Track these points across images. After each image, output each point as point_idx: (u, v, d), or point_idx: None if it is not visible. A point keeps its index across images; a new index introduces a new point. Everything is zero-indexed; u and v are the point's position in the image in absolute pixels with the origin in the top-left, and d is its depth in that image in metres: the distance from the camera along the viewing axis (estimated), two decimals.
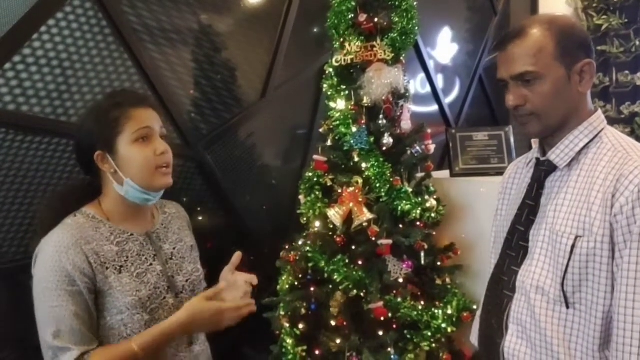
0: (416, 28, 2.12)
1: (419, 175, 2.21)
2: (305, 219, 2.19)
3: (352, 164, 2.12)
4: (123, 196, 1.40)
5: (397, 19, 2.08)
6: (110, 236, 1.38)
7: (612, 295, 1.12)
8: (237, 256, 1.47)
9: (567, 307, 1.18)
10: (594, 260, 1.13)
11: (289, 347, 2.09)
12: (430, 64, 3.36)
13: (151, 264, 1.42)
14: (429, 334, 2.00)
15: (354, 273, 2.01)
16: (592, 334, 1.14)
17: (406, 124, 2.13)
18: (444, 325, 2.00)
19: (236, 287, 1.44)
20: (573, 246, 1.15)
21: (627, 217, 1.08)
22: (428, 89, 3.40)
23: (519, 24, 1.24)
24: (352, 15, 2.10)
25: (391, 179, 2.04)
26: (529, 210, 1.30)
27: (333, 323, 2.07)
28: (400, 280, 2.03)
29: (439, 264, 2.17)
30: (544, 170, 1.29)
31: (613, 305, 1.12)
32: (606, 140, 1.21)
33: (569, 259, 1.15)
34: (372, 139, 2.06)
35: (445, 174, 2.56)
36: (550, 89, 1.19)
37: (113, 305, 1.34)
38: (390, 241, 2.01)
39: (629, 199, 1.09)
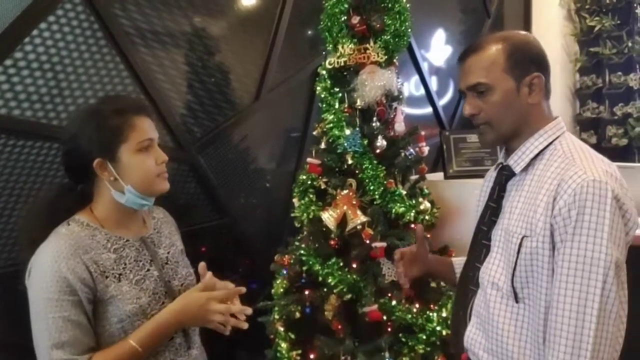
0: (409, 30, 2.12)
1: (413, 177, 2.21)
2: (299, 222, 2.18)
3: (345, 166, 2.11)
4: (117, 202, 1.39)
5: (390, 21, 2.08)
6: (107, 243, 1.37)
7: None
8: (201, 266, 1.44)
9: (517, 302, 1.27)
10: (537, 258, 1.22)
11: (284, 351, 2.09)
12: (424, 66, 3.36)
13: (148, 270, 1.41)
14: (424, 337, 1.99)
15: (349, 276, 2.01)
16: (539, 327, 1.23)
17: (400, 127, 2.13)
18: (438, 328, 2.00)
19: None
20: (520, 245, 1.24)
21: (563, 219, 1.17)
22: (422, 91, 3.40)
23: (479, 39, 1.36)
24: (345, 18, 2.10)
25: (385, 182, 2.04)
26: (490, 211, 1.39)
27: (328, 327, 2.06)
28: (395, 283, 2.02)
29: None
30: (505, 175, 1.37)
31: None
32: (559, 147, 1.29)
33: (517, 257, 1.25)
34: (365, 142, 2.06)
35: (439, 176, 2.56)
36: (500, 99, 1.28)
37: (113, 314, 1.32)
38: (384, 244, 2.01)
39: (567, 201, 1.17)
